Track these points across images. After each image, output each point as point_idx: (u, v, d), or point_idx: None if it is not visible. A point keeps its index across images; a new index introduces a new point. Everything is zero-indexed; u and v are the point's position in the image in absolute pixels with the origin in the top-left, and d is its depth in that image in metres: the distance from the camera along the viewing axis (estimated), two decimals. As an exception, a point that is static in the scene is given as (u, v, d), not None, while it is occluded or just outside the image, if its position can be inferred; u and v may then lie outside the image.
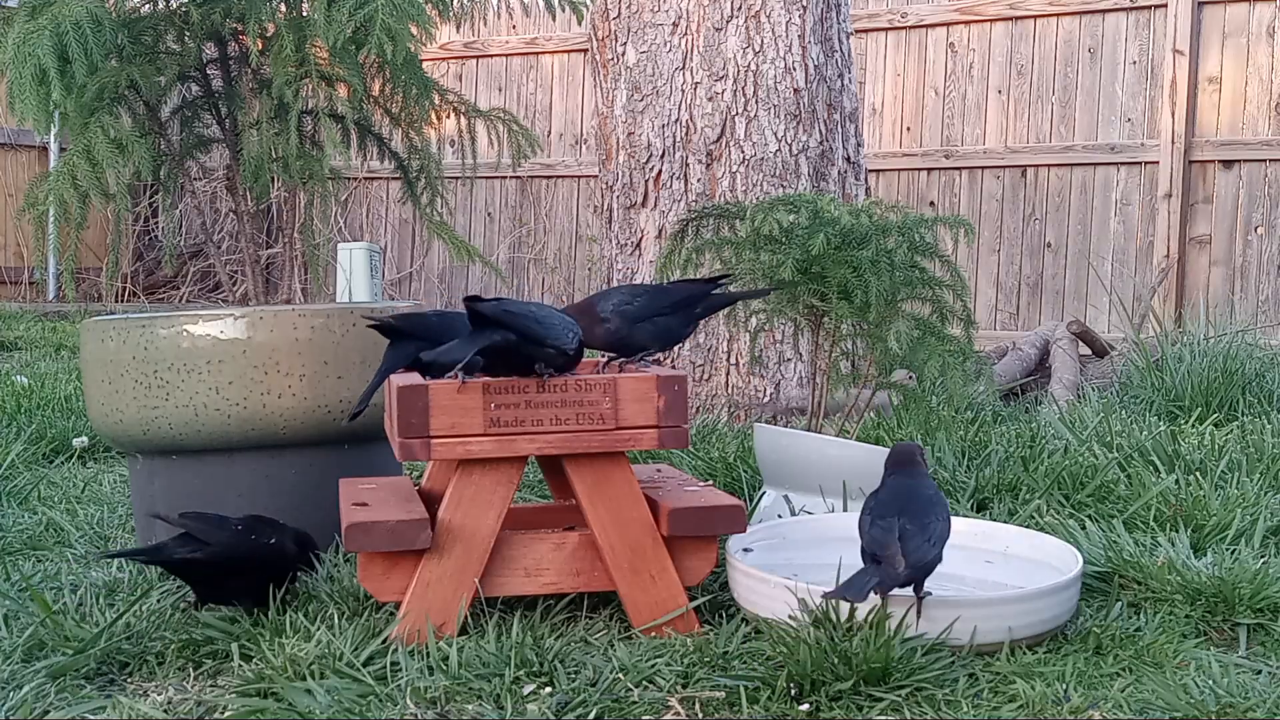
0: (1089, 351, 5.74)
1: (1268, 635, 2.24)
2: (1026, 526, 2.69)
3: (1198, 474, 3.16)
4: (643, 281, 4.14)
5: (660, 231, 4.11)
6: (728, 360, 4.06)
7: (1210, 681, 1.97)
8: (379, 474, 2.70)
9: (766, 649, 2.08)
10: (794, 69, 4.07)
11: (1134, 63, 6.97)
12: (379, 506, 2.30)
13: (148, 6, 4.41)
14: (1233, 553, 2.57)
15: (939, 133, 7.47)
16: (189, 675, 2.12)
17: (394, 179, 5.29)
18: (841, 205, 3.01)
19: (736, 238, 3.11)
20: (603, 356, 2.44)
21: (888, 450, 2.89)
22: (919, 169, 7.52)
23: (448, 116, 4.79)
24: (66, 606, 2.35)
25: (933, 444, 3.40)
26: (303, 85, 4.19)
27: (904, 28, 7.52)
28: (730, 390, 4.04)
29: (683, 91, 4.10)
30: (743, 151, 4.06)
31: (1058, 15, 7.13)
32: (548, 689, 1.97)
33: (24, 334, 7.02)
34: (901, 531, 2.10)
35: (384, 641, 2.14)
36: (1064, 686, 1.98)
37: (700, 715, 1.93)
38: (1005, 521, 2.78)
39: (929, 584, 2.11)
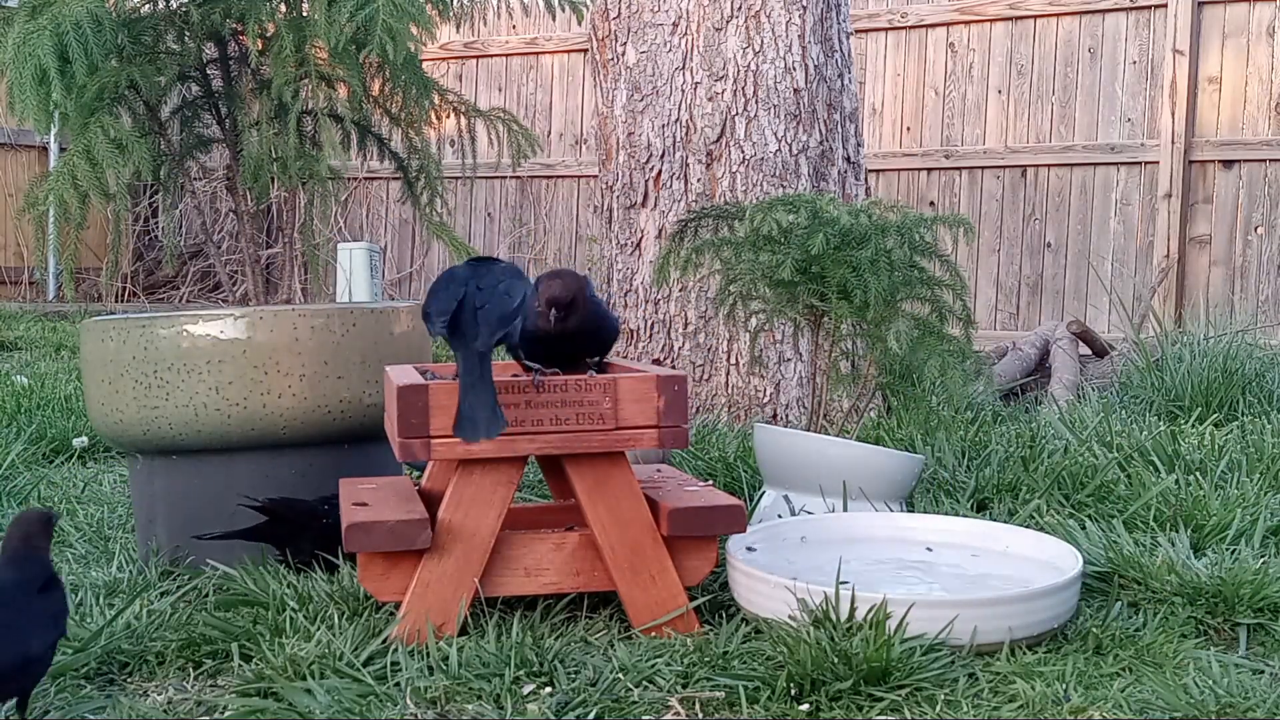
0: (1089, 351, 5.73)
1: (1268, 635, 2.24)
2: (1026, 526, 2.69)
3: (1198, 474, 3.16)
4: (642, 281, 4.14)
5: (660, 231, 4.11)
6: (728, 360, 4.06)
7: (1210, 681, 1.97)
8: (379, 474, 2.70)
9: (766, 649, 2.09)
10: (794, 69, 4.07)
11: (1134, 63, 6.97)
12: (379, 506, 2.30)
13: (148, 6, 4.41)
14: (1233, 553, 2.57)
15: (939, 133, 7.47)
16: (189, 675, 2.12)
17: (394, 179, 5.30)
18: (841, 205, 3.01)
19: (736, 238, 3.11)
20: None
21: (888, 451, 2.90)
22: (919, 169, 7.52)
23: (448, 116, 4.79)
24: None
25: (933, 444, 3.40)
26: (302, 85, 4.19)
27: (904, 28, 7.52)
28: (730, 390, 4.04)
29: (683, 91, 4.10)
30: (743, 151, 4.06)
31: (1058, 15, 7.13)
32: (548, 689, 1.97)
33: (24, 334, 7.01)
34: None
35: (384, 641, 2.14)
36: (1064, 686, 1.98)
37: (700, 715, 1.93)
38: (1005, 521, 2.78)
39: (929, 584, 2.11)
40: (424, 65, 4.62)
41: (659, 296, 4.11)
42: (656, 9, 4.14)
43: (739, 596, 2.29)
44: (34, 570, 1.91)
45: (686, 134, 4.10)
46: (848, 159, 4.21)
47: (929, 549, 2.56)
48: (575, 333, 2.33)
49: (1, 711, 1.91)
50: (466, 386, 2.13)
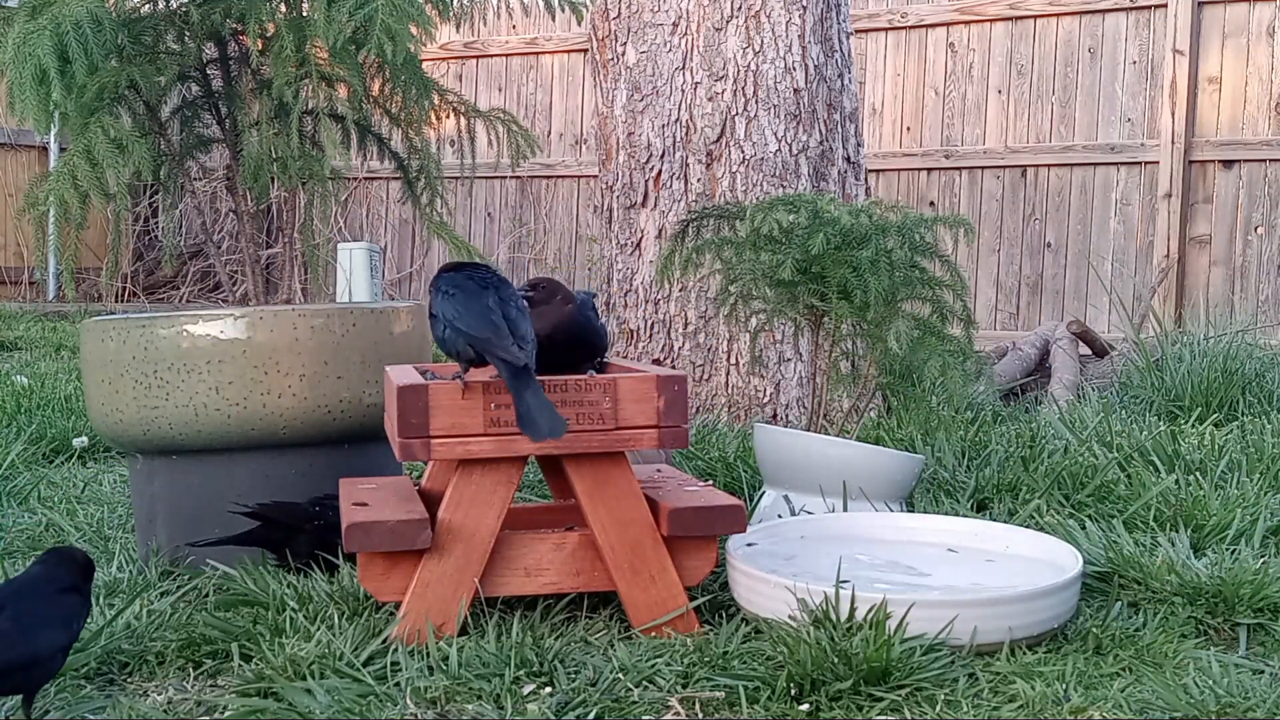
0: (1089, 351, 5.73)
1: (1268, 635, 2.24)
2: (1026, 526, 2.69)
3: (1198, 474, 3.16)
4: (642, 281, 4.14)
5: (660, 231, 4.11)
6: (728, 360, 4.06)
7: (1210, 681, 1.98)
8: (379, 474, 2.70)
9: (766, 649, 2.09)
10: (794, 69, 4.07)
11: (1134, 63, 6.97)
12: (379, 506, 2.30)
13: (148, 6, 4.40)
14: (1233, 553, 2.57)
15: (939, 133, 7.47)
16: (189, 675, 2.12)
17: (394, 179, 5.29)
18: (841, 205, 3.01)
19: (736, 238, 3.11)
20: None
21: (888, 451, 2.90)
22: (919, 169, 7.52)
23: (448, 116, 4.78)
24: (66, 606, 2.35)
25: (933, 444, 3.40)
26: (303, 85, 4.19)
27: (904, 28, 7.52)
28: (730, 390, 4.04)
29: (683, 91, 4.10)
30: (743, 151, 4.06)
31: (1058, 15, 7.13)
32: (548, 689, 1.97)
33: (24, 334, 7.01)
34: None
35: (384, 641, 2.14)
36: (1064, 686, 1.98)
37: (700, 715, 1.93)
38: (1005, 521, 2.78)
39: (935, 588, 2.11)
40: (424, 65, 4.61)
41: (659, 296, 4.11)
42: (656, 9, 4.14)
43: (739, 596, 2.29)
44: (58, 574, 1.93)
45: (686, 134, 4.10)
46: (848, 159, 4.21)
47: (951, 549, 2.56)
48: (561, 344, 2.34)
49: (3, 710, 1.91)
50: (518, 389, 2.13)
